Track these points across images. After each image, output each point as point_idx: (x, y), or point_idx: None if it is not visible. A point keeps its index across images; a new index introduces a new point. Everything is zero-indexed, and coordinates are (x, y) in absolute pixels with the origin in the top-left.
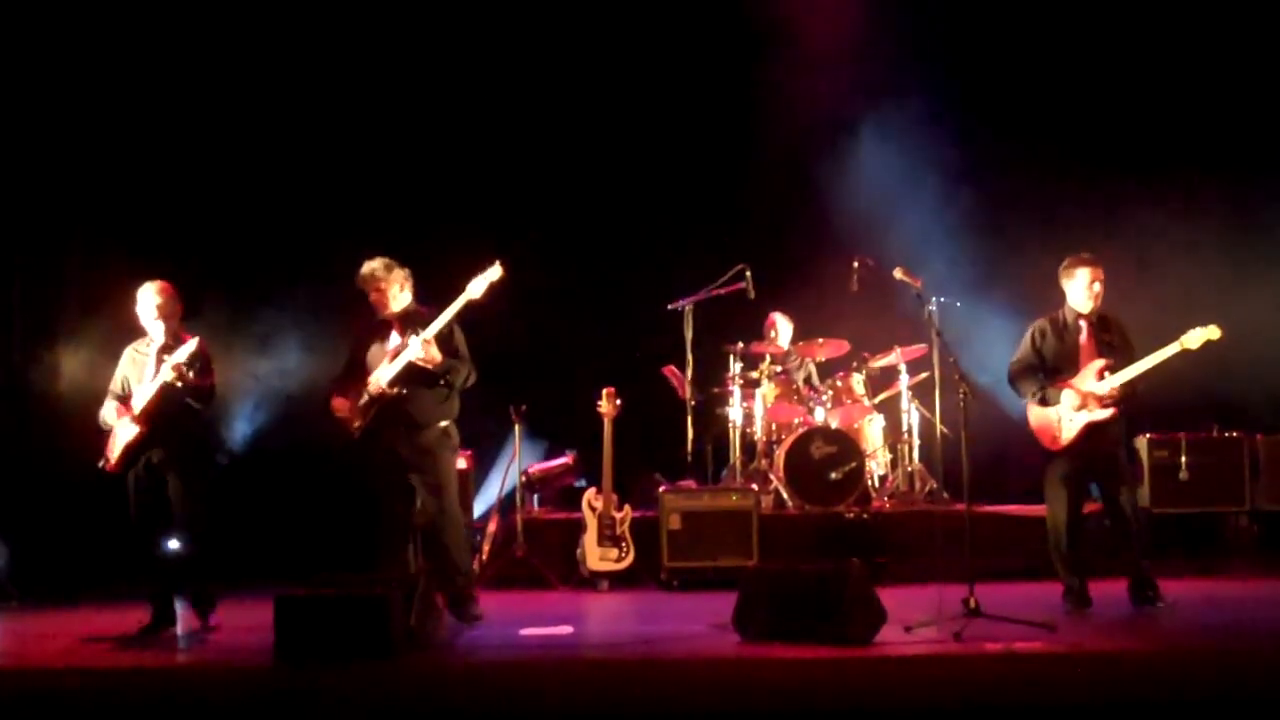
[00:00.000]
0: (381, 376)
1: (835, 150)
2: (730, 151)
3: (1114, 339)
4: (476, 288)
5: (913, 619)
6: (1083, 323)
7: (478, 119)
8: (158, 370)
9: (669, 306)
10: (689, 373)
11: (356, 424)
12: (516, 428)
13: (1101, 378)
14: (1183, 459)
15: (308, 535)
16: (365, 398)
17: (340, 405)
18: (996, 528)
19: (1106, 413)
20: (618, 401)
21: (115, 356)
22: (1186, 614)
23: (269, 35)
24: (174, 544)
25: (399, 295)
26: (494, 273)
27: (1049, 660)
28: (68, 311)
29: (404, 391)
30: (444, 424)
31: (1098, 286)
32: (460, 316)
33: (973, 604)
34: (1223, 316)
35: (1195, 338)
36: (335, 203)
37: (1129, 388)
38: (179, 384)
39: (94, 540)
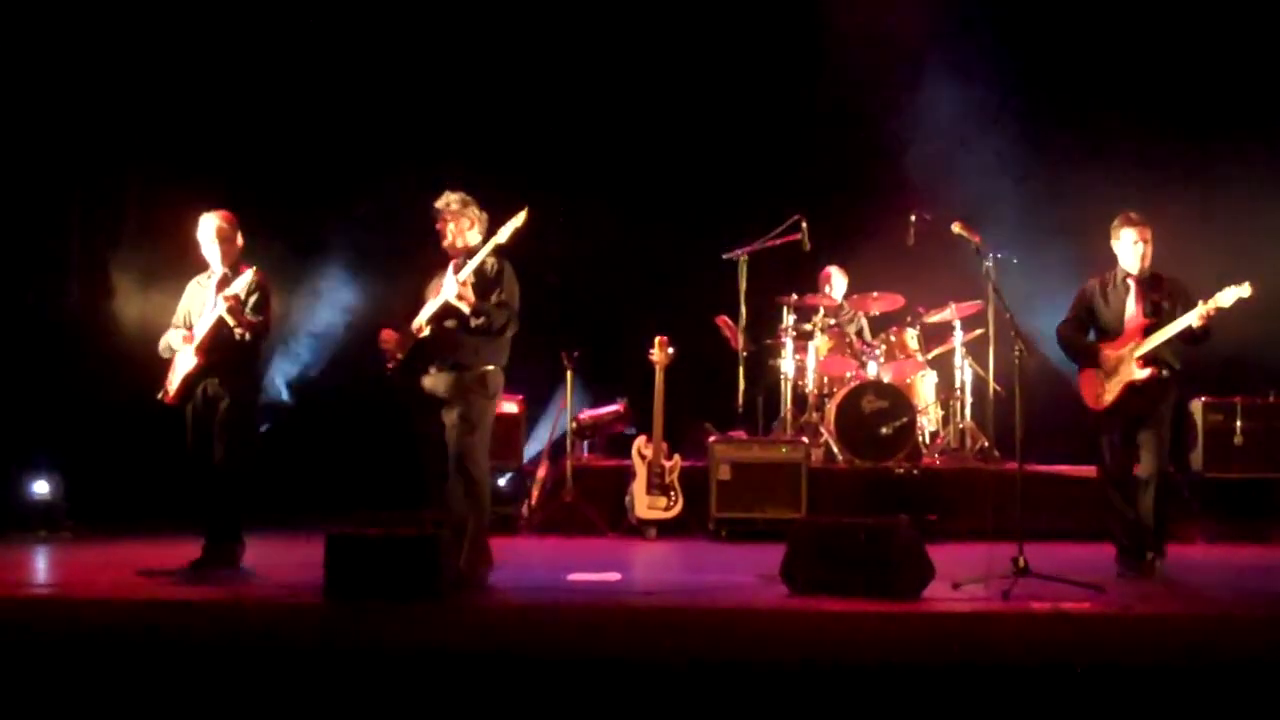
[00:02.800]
0: (422, 315)
1: (895, 101)
2: (788, 100)
3: (1163, 299)
4: (503, 234)
5: (961, 576)
6: (1131, 282)
7: (534, 66)
8: (216, 302)
9: (724, 256)
10: (742, 323)
11: (396, 359)
12: (568, 374)
13: (1143, 338)
14: (1238, 423)
15: (354, 473)
16: (408, 334)
17: (387, 337)
18: (1048, 487)
19: (1144, 373)
20: (670, 350)
21: (171, 289)
22: (1237, 579)
23: None
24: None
25: (467, 233)
26: (518, 219)
27: (1097, 621)
28: (125, 243)
29: (433, 331)
30: (487, 369)
31: (1141, 246)
32: (501, 259)
33: (1021, 563)
34: None
35: (1228, 296)
36: (391, 141)
37: (1164, 349)
38: (231, 317)
39: (148, 472)
